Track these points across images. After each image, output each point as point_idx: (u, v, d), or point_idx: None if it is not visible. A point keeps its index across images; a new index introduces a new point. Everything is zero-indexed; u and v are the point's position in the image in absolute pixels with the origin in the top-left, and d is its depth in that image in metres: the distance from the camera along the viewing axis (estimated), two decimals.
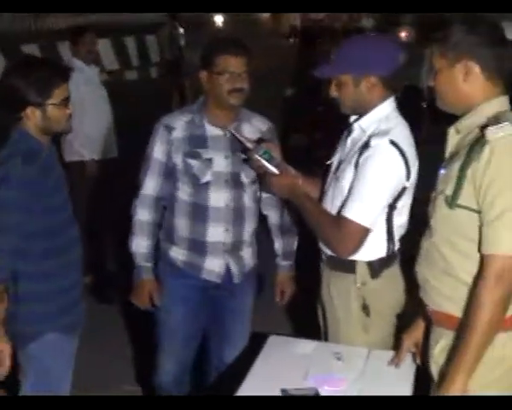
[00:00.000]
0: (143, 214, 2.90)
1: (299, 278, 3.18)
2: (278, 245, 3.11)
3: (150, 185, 2.88)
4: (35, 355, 2.49)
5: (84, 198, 4.88)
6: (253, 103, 2.91)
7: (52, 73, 2.45)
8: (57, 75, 2.46)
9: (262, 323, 3.27)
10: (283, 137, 2.71)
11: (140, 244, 2.91)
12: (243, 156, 2.79)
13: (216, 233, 2.85)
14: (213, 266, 2.90)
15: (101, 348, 3.96)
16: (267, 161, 2.56)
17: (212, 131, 2.83)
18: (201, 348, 3.14)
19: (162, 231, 2.97)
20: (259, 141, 2.74)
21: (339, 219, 2.40)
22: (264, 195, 2.98)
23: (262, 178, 2.68)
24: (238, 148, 2.83)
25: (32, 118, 2.42)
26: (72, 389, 2.66)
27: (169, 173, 2.85)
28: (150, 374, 3.13)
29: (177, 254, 2.92)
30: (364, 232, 2.38)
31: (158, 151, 2.85)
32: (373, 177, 2.35)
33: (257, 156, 2.57)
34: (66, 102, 2.48)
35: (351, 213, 2.36)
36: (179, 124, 2.83)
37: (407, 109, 2.59)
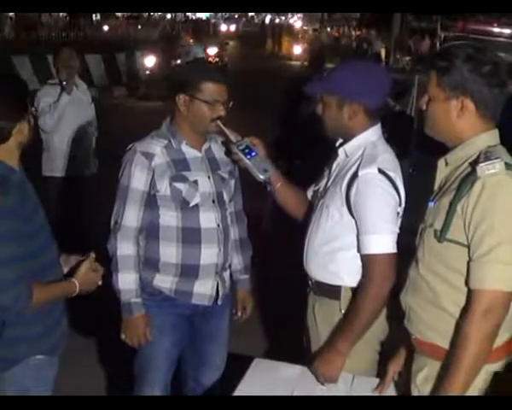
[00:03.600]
0: (127, 248, 2.75)
1: (283, 301, 3.17)
2: (237, 260, 3.05)
3: (131, 217, 2.74)
4: (16, 379, 2.40)
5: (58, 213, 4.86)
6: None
7: (26, 92, 2.39)
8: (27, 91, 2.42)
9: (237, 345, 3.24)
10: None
11: (128, 280, 2.75)
12: (224, 149, 2.81)
13: (210, 255, 2.81)
14: (205, 289, 2.85)
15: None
16: (246, 155, 2.53)
17: (190, 153, 2.79)
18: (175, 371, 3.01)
19: (140, 260, 2.81)
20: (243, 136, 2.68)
21: (365, 270, 2.37)
22: (230, 210, 2.93)
23: None
24: (216, 167, 2.84)
25: (18, 135, 2.30)
26: None
27: (148, 202, 2.74)
28: None
29: (163, 282, 2.81)
30: (392, 258, 2.36)
31: (138, 180, 2.71)
32: (373, 205, 2.35)
33: (236, 150, 2.55)
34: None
35: (372, 248, 2.35)
36: (158, 150, 2.73)
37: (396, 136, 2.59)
